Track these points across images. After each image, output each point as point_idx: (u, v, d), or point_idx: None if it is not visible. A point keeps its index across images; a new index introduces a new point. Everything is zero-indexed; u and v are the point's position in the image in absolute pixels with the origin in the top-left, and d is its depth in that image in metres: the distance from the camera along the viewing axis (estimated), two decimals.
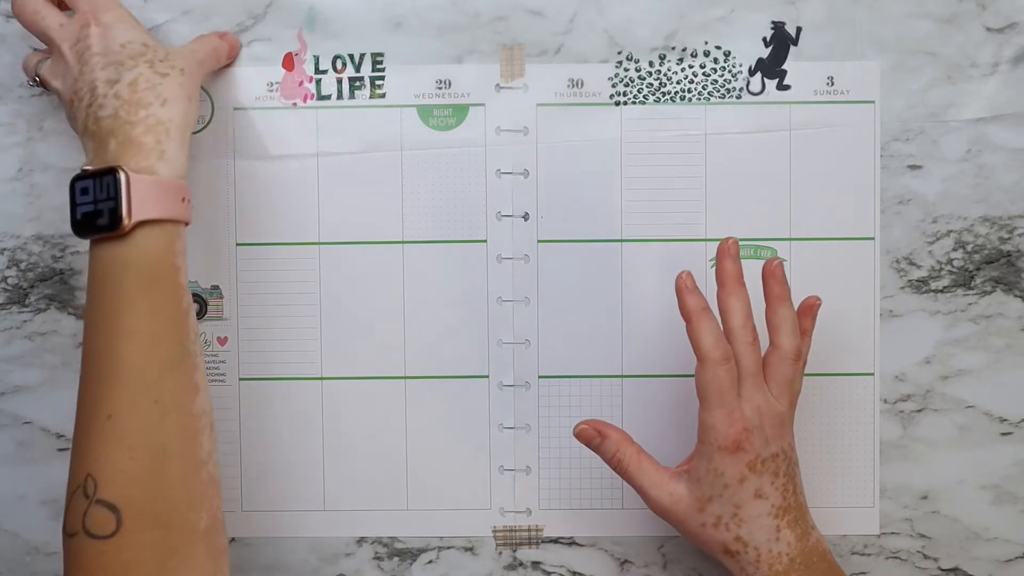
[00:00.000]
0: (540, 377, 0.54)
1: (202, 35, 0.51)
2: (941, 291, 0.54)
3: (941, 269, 0.54)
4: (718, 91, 0.53)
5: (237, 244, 0.54)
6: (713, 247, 0.54)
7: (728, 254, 0.48)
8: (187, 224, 0.45)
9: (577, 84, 0.54)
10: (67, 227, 0.53)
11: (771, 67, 0.53)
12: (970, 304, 0.54)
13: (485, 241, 0.54)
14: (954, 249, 0.54)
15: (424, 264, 0.54)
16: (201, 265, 0.54)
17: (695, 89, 0.53)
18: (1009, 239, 0.54)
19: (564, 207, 0.54)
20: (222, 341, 0.54)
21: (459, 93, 0.54)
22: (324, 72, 0.53)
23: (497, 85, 0.54)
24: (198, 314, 0.54)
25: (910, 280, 0.54)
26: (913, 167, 0.54)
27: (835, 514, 0.54)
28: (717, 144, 0.54)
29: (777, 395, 0.47)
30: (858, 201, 0.54)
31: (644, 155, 0.54)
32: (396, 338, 0.54)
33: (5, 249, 0.54)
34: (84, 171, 0.44)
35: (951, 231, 0.54)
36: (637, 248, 0.54)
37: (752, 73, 0.53)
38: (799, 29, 0.53)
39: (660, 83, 0.53)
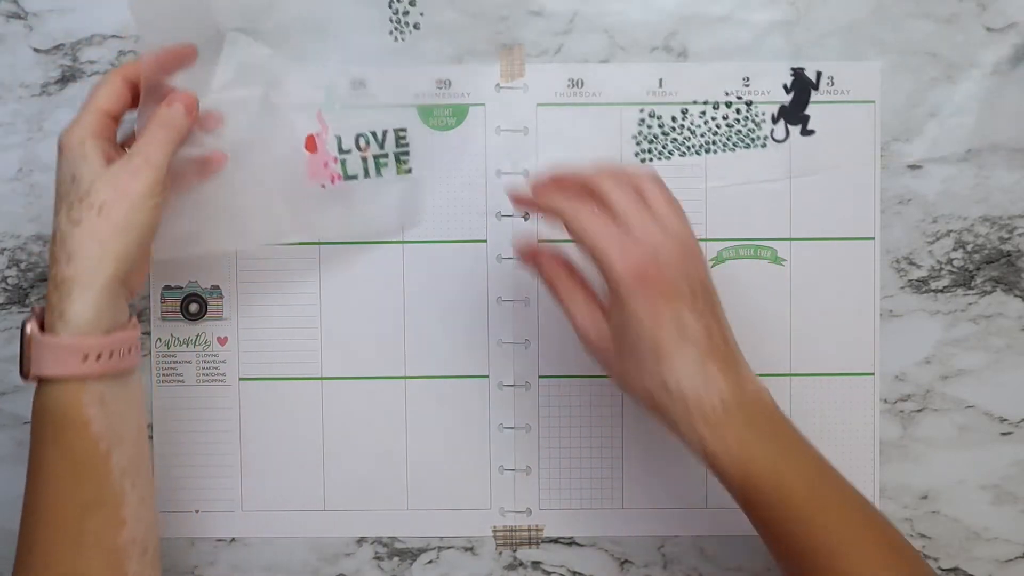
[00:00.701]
0: (540, 377, 0.54)
1: (156, 116, 0.45)
2: (941, 291, 0.54)
3: (941, 269, 0.54)
4: (743, 141, 0.53)
5: None
6: (713, 247, 0.54)
7: (515, 196, 0.46)
8: (112, 376, 0.43)
9: (577, 84, 0.54)
10: None
11: (794, 113, 0.53)
12: (970, 304, 0.54)
13: (485, 241, 0.54)
14: (954, 249, 0.54)
15: (424, 264, 0.54)
16: (201, 265, 0.54)
17: (719, 140, 0.53)
18: (1009, 239, 0.54)
19: None
20: (222, 341, 0.54)
21: (459, 93, 0.54)
22: (348, 152, 0.52)
23: (497, 85, 0.54)
24: (197, 314, 0.54)
25: (910, 280, 0.54)
26: (913, 167, 0.54)
27: None
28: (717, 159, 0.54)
29: (663, 216, 0.43)
30: (858, 201, 0.54)
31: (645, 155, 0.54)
32: (396, 338, 0.54)
33: (5, 249, 0.54)
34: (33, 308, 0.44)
35: (951, 231, 0.54)
36: None
37: (775, 120, 0.53)
38: (819, 74, 0.53)
39: (684, 137, 0.53)
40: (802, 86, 0.53)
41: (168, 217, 0.46)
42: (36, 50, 0.54)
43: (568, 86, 0.54)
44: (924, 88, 0.54)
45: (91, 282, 0.42)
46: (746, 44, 0.54)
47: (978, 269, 0.54)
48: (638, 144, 0.54)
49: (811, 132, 0.53)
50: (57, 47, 0.54)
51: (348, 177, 0.52)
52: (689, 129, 0.53)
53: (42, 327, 0.43)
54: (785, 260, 0.54)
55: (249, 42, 0.50)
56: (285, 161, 0.51)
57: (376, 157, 0.52)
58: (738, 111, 0.53)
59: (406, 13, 0.53)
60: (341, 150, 0.52)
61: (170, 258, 0.51)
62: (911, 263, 0.54)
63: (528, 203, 0.46)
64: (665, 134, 0.53)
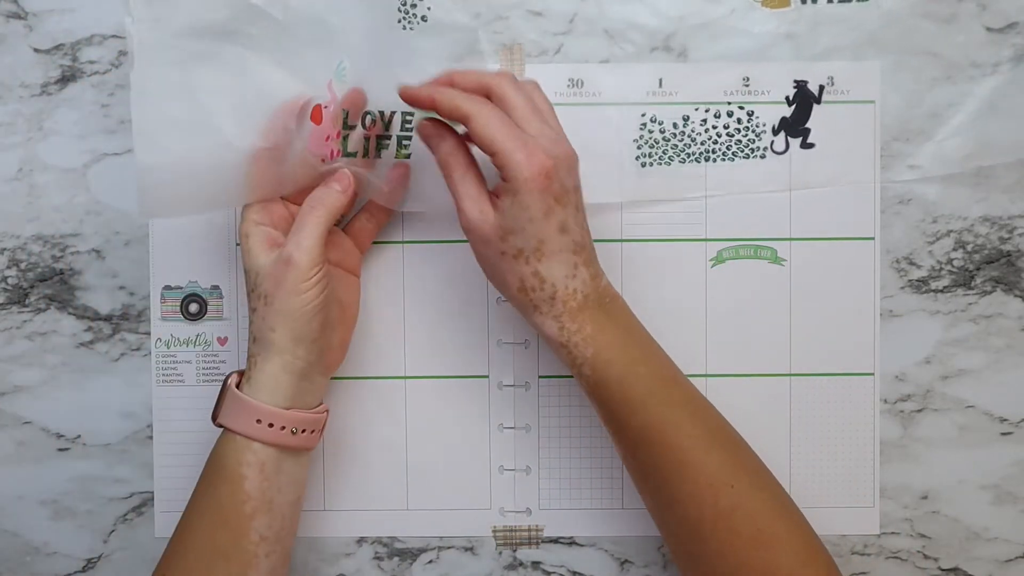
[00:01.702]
0: (540, 377, 0.54)
1: (309, 198, 0.48)
2: (941, 291, 0.54)
3: (941, 269, 0.54)
4: (742, 151, 0.53)
5: (237, 244, 0.54)
6: (713, 247, 0.54)
7: (410, 95, 0.47)
8: (279, 447, 0.47)
9: (577, 84, 0.54)
10: (67, 227, 0.54)
11: (794, 126, 0.53)
12: (970, 304, 0.54)
13: None
14: (954, 249, 0.54)
15: (424, 264, 0.54)
16: (201, 265, 0.54)
17: (720, 149, 0.53)
18: (1009, 239, 0.54)
19: None
20: (222, 341, 0.54)
21: None
22: (352, 127, 0.50)
23: None
24: (197, 314, 0.54)
25: (910, 280, 0.54)
26: (913, 167, 0.54)
27: (835, 514, 0.54)
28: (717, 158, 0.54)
29: (553, 127, 0.46)
30: (858, 201, 0.54)
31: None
32: (396, 338, 0.54)
33: (5, 249, 0.54)
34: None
35: (951, 231, 0.54)
36: (637, 248, 0.54)
37: (776, 132, 0.53)
38: (822, 87, 0.53)
39: (685, 144, 0.53)
40: (804, 99, 0.53)
41: (162, 179, 0.46)
42: (36, 50, 0.54)
43: (568, 86, 0.54)
44: (924, 88, 0.54)
45: (268, 357, 0.47)
46: (746, 44, 0.54)
47: (978, 269, 0.54)
48: (639, 148, 0.54)
49: (811, 145, 0.53)
50: (57, 47, 0.54)
51: (347, 154, 0.50)
52: (690, 136, 0.53)
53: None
54: (785, 260, 0.54)
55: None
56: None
57: (379, 138, 0.51)
58: (739, 120, 0.53)
59: (414, 5, 0.53)
60: (346, 125, 0.50)
61: (163, 217, 0.52)
62: (911, 263, 0.54)
63: (425, 101, 0.46)
64: (666, 139, 0.53)
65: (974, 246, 0.54)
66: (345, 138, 0.50)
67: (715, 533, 0.44)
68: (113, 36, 0.54)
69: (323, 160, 0.49)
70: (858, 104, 0.54)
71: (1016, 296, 0.54)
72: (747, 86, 0.53)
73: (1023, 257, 0.54)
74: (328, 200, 0.48)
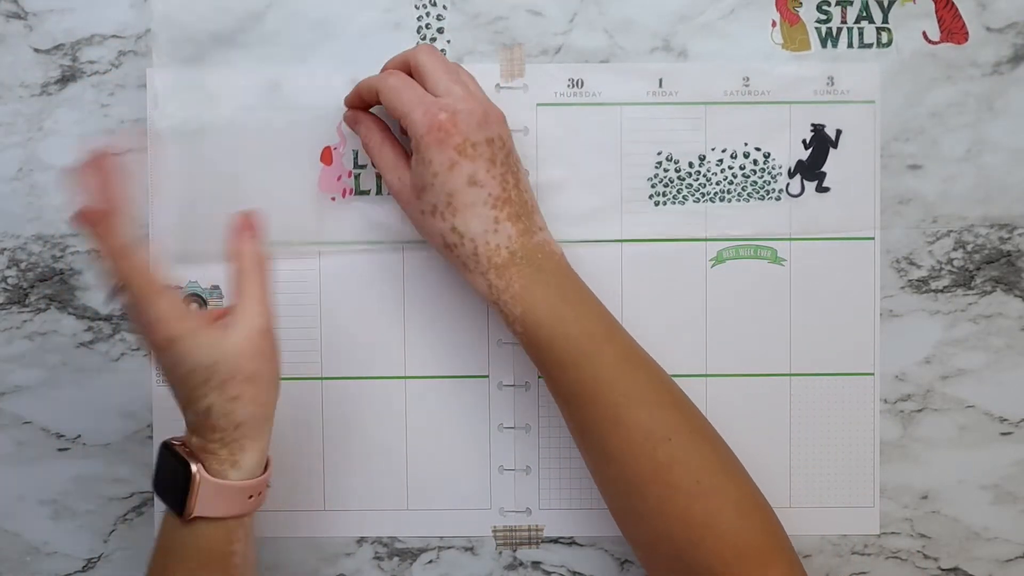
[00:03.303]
0: (540, 377, 0.54)
1: (240, 260, 0.45)
2: (941, 291, 0.54)
3: (941, 269, 0.54)
4: (757, 192, 0.53)
5: None
6: (713, 247, 0.54)
7: (347, 115, 0.51)
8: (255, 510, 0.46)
9: (577, 84, 0.54)
10: (67, 227, 0.54)
11: (810, 169, 0.53)
12: (970, 304, 0.54)
13: None
14: (954, 249, 0.54)
15: (424, 264, 0.54)
16: (201, 265, 0.54)
17: (735, 190, 0.53)
18: (1009, 239, 0.54)
19: (564, 207, 0.54)
20: None
21: None
22: (363, 167, 0.52)
23: (497, 85, 0.53)
24: None
25: (910, 280, 0.54)
26: (913, 167, 0.54)
27: (835, 514, 0.54)
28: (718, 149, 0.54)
29: (468, 88, 0.47)
30: (858, 201, 0.54)
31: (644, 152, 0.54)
32: (396, 338, 0.54)
33: (5, 249, 0.54)
34: (172, 444, 0.44)
35: (951, 231, 0.54)
36: (637, 248, 0.54)
37: (792, 175, 0.53)
38: (839, 132, 0.53)
39: (700, 184, 0.53)
40: (821, 143, 0.53)
41: (170, 227, 0.49)
42: (36, 50, 0.54)
43: (568, 86, 0.54)
44: (924, 88, 0.54)
45: (259, 435, 0.45)
46: (746, 44, 0.53)
47: (978, 269, 0.54)
48: (653, 187, 0.54)
49: (826, 189, 0.53)
50: (57, 47, 0.54)
51: (360, 192, 0.52)
52: (705, 176, 0.53)
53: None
54: (785, 260, 0.54)
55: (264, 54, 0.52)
56: (298, 172, 0.52)
57: None
58: (755, 162, 0.53)
59: (439, 18, 0.53)
60: (357, 165, 0.52)
61: (176, 262, 0.53)
62: (911, 263, 0.54)
63: (354, 97, 0.50)
64: (681, 179, 0.53)
65: (974, 246, 0.54)
66: (357, 176, 0.52)
67: (653, 487, 0.44)
68: (113, 36, 0.54)
69: (333, 199, 0.52)
70: (858, 104, 0.54)
71: (1016, 296, 0.54)
72: (747, 87, 0.53)
73: (1023, 257, 0.54)
74: (263, 259, 0.46)
